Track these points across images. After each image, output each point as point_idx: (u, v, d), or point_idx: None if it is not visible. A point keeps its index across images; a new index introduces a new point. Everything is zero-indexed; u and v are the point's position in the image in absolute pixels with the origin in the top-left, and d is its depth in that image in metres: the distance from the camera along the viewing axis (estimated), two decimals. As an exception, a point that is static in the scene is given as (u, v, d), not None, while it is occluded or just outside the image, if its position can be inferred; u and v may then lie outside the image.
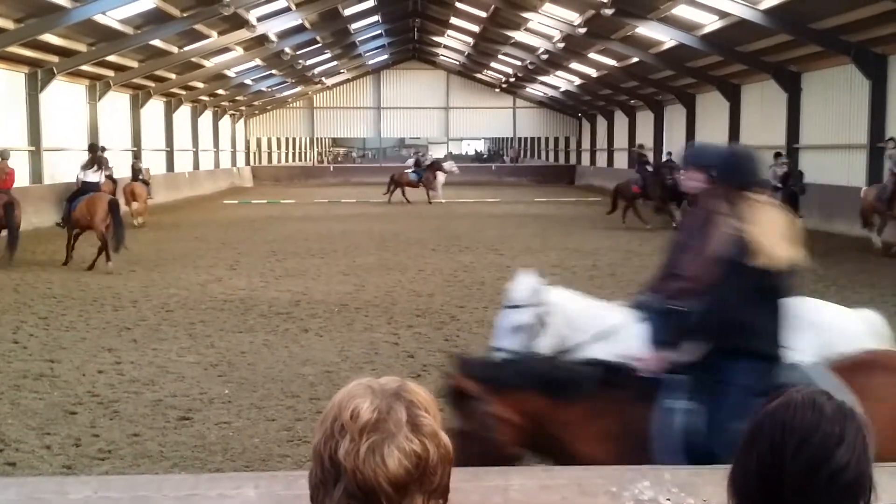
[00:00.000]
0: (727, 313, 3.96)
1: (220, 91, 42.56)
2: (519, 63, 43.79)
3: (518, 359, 4.63)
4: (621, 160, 45.96)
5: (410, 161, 39.99)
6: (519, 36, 36.56)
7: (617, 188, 26.29)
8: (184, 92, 38.76)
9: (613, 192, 26.48)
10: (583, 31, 29.73)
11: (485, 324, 10.91)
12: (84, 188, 17.77)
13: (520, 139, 63.44)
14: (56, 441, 6.55)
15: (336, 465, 1.37)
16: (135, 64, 30.65)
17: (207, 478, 2.92)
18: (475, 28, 39.52)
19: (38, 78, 25.47)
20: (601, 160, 50.31)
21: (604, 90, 43.08)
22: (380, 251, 18.48)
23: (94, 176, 18.44)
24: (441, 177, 35.31)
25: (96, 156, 18.94)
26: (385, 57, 51.98)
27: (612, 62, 35.16)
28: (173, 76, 34.88)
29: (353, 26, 39.19)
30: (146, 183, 26.42)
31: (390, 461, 1.34)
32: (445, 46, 48.23)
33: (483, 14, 35.68)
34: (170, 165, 38.36)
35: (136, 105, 34.45)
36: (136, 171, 26.79)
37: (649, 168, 25.81)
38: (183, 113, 40.66)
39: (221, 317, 11.42)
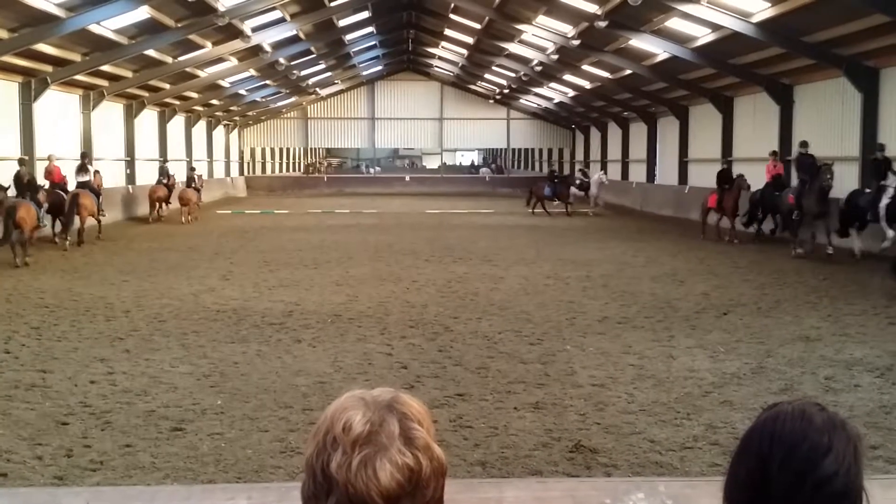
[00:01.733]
0: None
1: (214, 101, 42.57)
2: (513, 74, 43.89)
3: None
4: (614, 172, 46.05)
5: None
6: (513, 48, 36.67)
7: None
8: (178, 102, 38.76)
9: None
10: (576, 43, 29.82)
11: (478, 335, 10.91)
12: (79, 186, 23.77)
13: (513, 150, 63.57)
14: (48, 452, 6.52)
15: (328, 478, 1.36)
16: (129, 74, 30.64)
17: (200, 489, 2.91)
18: (469, 39, 39.61)
19: (31, 87, 25.43)
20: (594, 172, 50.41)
21: (597, 102, 43.20)
22: (373, 262, 18.47)
23: (84, 176, 24.26)
24: (594, 188, 35.74)
25: (84, 162, 25.05)
26: (379, 68, 52.07)
27: (605, 74, 35.29)
28: (167, 86, 34.88)
29: (348, 37, 39.26)
30: (198, 189, 32.10)
31: (382, 474, 1.33)
32: (440, 58, 48.32)
33: (477, 26, 35.77)
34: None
35: (130, 115, 34.42)
36: (189, 179, 32.57)
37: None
38: (177, 123, 40.64)
39: (214, 327, 11.39)
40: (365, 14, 35.75)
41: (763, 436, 1.56)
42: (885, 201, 18.27)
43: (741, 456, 1.59)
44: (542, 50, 34.64)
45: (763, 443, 1.55)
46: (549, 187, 34.33)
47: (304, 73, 42.83)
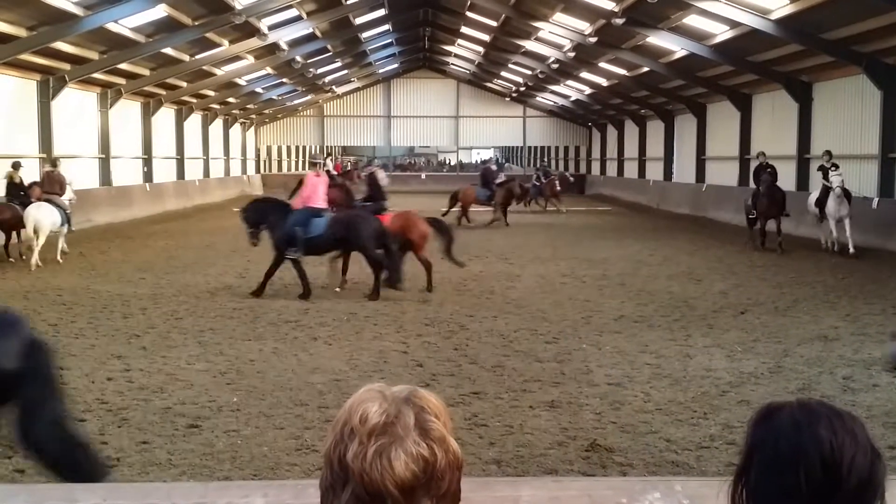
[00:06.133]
0: None
1: (230, 99, 42.72)
2: (529, 72, 43.82)
3: None
4: (631, 170, 45.94)
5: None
6: (529, 45, 36.59)
7: None
8: (195, 100, 38.92)
9: None
10: (593, 40, 29.74)
11: (494, 333, 10.89)
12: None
13: (529, 148, 63.38)
14: (65, 448, 6.55)
15: (345, 468, 1.37)
16: (146, 72, 30.80)
17: (216, 486, 2.91)
18: (485, 37, 39.57)
19: (49, 85, 25.61)
20: (611, 170, 50.30)
21: (614, 99, 43.08)
22: (389, 260, 18.44)
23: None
24: (833, 204, 18.96)
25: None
26: (395, 66, 52.10)
27: (622, 71, 35.17)
28: (184, 84, 35.03)
29: (364, 35, 39.31)
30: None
31: (397, 464, 1.34)
32: (456, 55, 48.31)
33: (493, 23, 35.73)
34: (180, 173, 38.49)
35: (148, 113, 34.60)
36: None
37: None
38: (194, 121, 40.81)
39: (230, 325, 11.43)
40: (381, 12, 35.77)
41: (799, 442, 1.56)
42: None
43: (774, 463, 1.58)
44: (558, 47, 34.54)
45: (800, 450, 1.56)
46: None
47: (320, 71, 42.92)
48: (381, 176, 16.67)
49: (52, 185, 18.38)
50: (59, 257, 17.64)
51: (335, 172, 35.45)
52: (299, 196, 14.76)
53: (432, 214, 15.68)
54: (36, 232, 16.87)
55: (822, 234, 20.01)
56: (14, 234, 18.19)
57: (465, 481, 1.45)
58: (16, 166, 19.16)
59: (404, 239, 14.36)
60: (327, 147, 59.24)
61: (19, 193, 18.32)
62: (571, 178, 38.22)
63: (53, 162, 19.39)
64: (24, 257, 17.85)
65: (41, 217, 17.02)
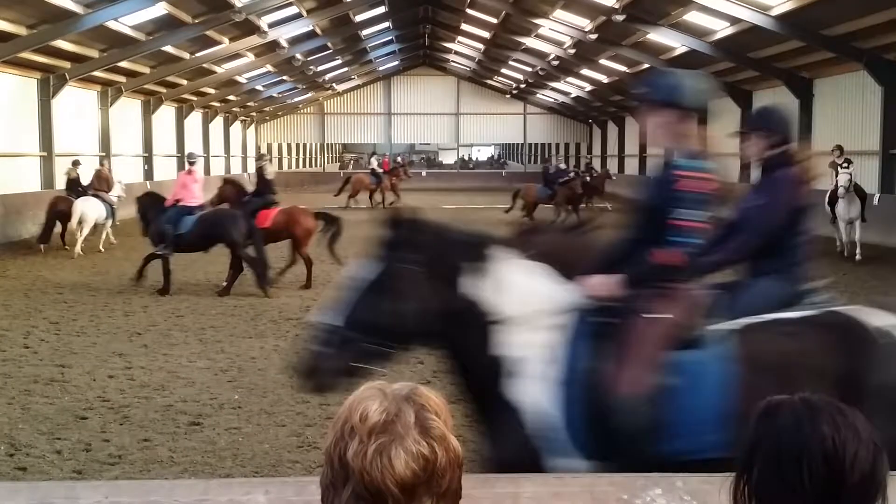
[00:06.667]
0: None
1: (231, 97, 42.69)
2: (529, 69, 43.81)
3: None
4: (632, 166, 45.90)
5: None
6: (530, 42, 36.56)
7: None
8: (195, 98, 38.88)
9: None
10: (594, 37, 29.72)
11: (495, 330, 10.88)
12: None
13: (529, 145, 63.41)
14: (67, 446, 6.56)
15: (345, 466, 1.37)
16: (146, 70, 30.76)
17: (218, 483, 2.91)
18: (486, 34, 39.55)
19: (50, 84, 25.56)
20: (612, 167, 50.21)
21: (615, 96, 43.03)
22: (390, 257, 18.42)
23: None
24: (843, 206, 17.92)
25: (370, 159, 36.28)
26: (396, 63, 52.09)
27: (622, 68, 35.11)
28: (185, 82, 34.98)
29: (364, 32, 39.29)
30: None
31: (397, 463, 1.35)
32: (456, 52, 48.31)
33: (494, 20, 35.71)
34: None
35: (148, 111, 34.55)
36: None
37: None
38: (194, 119, 40.77)
39: (231, 322, 11.43)
40: (381, 9, 35.76)
41: (801, 438, 1.57)
42: None
43: (777, 459, 1.58)
44: (558, 44, 34.53)
45: (802, 446, 1.56)
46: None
47: (320, 68, 42.93)
48: (269, 171, 16.82)
49: (100, 183, 20.71)
50: (100, 247, 19.66)
51: (381, 170, 35.63)
52: (171, 195, 14.90)
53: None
54: (81, 223, 18.85)
55: (836, 234, 18.51)
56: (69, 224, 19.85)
57: (465, 478, 1.46)
58: (75, 164, 21.60)
59: (288, 234, 14.68)
60: (328, 144, 59.28)
61: (77, 189, 20.51)
62: (614, 177, 37.76)
63: (101, 161, 22.23)
64: (67, 247, 19.36)
65: (87, 210, 19.11)
